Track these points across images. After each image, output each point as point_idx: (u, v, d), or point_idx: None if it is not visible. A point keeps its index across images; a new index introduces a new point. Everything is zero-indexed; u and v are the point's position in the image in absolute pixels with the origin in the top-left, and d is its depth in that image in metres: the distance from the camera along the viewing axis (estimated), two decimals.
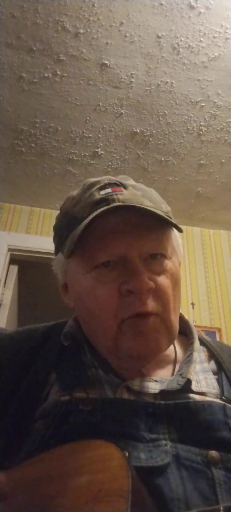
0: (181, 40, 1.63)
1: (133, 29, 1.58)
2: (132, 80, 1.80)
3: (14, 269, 2.53)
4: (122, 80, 1.80)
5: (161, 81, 1.80)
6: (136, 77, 1.79)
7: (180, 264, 0.60)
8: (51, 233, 0.65)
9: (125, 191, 0.55)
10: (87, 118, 2.00)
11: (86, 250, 0.54)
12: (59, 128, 2.06)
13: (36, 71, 1.76)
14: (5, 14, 1.53)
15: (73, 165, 2.32)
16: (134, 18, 1.54)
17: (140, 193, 0.55)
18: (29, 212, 2.71)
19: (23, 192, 2.57)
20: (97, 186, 0.56)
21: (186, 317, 0.66)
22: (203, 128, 2.03)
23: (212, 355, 0.61)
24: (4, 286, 2.41)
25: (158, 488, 0.42)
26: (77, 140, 2.14)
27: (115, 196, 0.53)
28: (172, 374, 0.57)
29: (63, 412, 0.50)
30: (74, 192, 0.61)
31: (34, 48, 1.66)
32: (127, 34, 1.60)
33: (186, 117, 1.98)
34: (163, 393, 0.51)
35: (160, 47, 1.65)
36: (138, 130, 2.06)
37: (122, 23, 1.56)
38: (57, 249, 0.61)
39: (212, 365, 0.59)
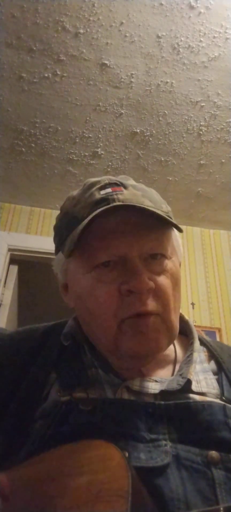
0: (181, 40, 1.63)
1: (133, 29, 1.58)
2: (132, 80, 1.80)
3: (14, 269, 2.53)
4: (122, 80, 1.80)
5: (161, 81, 1.80)
6: (136, 77, 1.79)
7: (180, 264, 0.60)
8: (51, 233, 0.65)
9: (125, 191, 0.55)
10: (87, 118, 2.00)
11: (86, 250, 0.54)
12: (59, 128, 2.06)
13: (36, 71, 1.76)
14: (5, 14, 1.53)
15: (73, 165, 2.32)
16: (134, 18, 1.54)
17: (140, 193, 0.55)
18: (29, 212, 2.71)
19: (23, 192, 2.57)
20: (98, 186, 0.56)
21: (186, 317, 0.66)
22: (203, 128, 2.03)
23: (212, 355, 0.61)
24: (4, 286, 2.41)
25: (158, 489, 0.42)
26: (77, 140, 2.14)
27: (115, 196, 0.53)
28: (172, 374, 0.57)
29: (63, 412, 0.50)
30: (75, 192, 0.61)
31: (34, 48, 1.66)
32: (127, 34, 1.60)
33: (186, 117, 1.98)
34: (163, 393, 0.51)
35: (160, 47, 1.65)
36: (138, 130, 2.06)
37: (122, 23, 1.56)
38: (58, 249, 0.61)
39: (212, 365, 0.59)
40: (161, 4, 1.50)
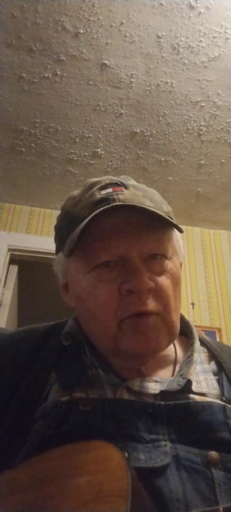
0: (181, 40, 1.63)
1: (133, 29, 1.58)
2: (132, 80, 1.80)
3: (14, 269, 2.53)
4: (122, 80, 1.80)
5: (161, 81, 1.80)
6: (136, 77, 1.79)
7: (181, 265, 0.60)
8: (51, 233, 0.65)
9: (125, 191, 0.55)
10: (87, 118, 2.00)
11: (86, 250, 0.54)
12: (59, 128, 2.06)
13: (36, 71, 1.76)
14: (5, 14, 1.53)
15: (73, 165, 2.32)
16: (134, 18, 1.54)
17: (140, 193, 0.55)
18: (29, 212, 2.71)
19: (23, 192, 2.57)
20: (98, 186, 0.56)
21: (187, 317, 0.66)
22: (203, 128, 2.03)
23: (213, 355, 0.61)
24: (4, 286, 2.42)
25: (158, 489, 0.42)
26: (77, 140, 2.14)
27: (116, 196, 0.53)
28: (172, 375, 0.57)
29: (63, 412, 0.49)
30: (75, 192, 0.61)
31: (34, 48, 1.66)
32: (127, 34, 1.60)
33: (186, 117, 1.98)
34: (163, 394, 0.51)
35: (160, 47, 1.65)
36: (138, 130, 2.06)
37: (122, 23, 1.56)
38: (58, 249, 0.61)
39: (213, 365, 0.59)
40: (161, 4, 1.50)
